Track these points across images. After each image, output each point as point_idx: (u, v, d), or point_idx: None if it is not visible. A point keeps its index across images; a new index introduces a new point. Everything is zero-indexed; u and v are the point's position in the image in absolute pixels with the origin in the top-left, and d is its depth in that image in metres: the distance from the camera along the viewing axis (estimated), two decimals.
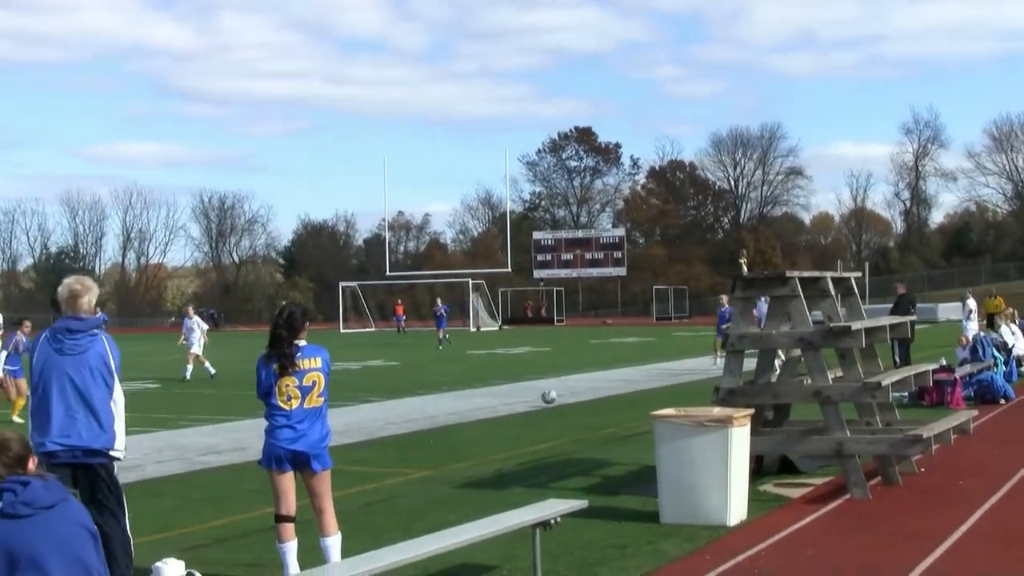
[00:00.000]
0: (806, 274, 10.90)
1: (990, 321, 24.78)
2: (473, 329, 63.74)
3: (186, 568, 6.76)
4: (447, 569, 7.36)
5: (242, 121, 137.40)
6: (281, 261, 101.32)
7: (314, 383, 6.84)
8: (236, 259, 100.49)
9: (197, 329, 27.12)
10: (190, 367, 26.44)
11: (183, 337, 27.65)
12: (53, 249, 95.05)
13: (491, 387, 22.72)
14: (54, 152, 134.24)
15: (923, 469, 11.02)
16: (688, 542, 8.14)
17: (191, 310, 29.39)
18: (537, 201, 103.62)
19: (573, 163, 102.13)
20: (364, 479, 11.17)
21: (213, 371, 26.28)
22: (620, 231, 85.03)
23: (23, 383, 16.91)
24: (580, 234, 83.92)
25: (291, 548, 6.89)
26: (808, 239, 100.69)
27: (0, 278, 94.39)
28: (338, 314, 67.22)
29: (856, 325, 10.20)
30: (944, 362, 18.20)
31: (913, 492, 10.07)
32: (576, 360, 31.64)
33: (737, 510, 8.80)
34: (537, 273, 79.89)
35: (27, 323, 18.73)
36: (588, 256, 79.32)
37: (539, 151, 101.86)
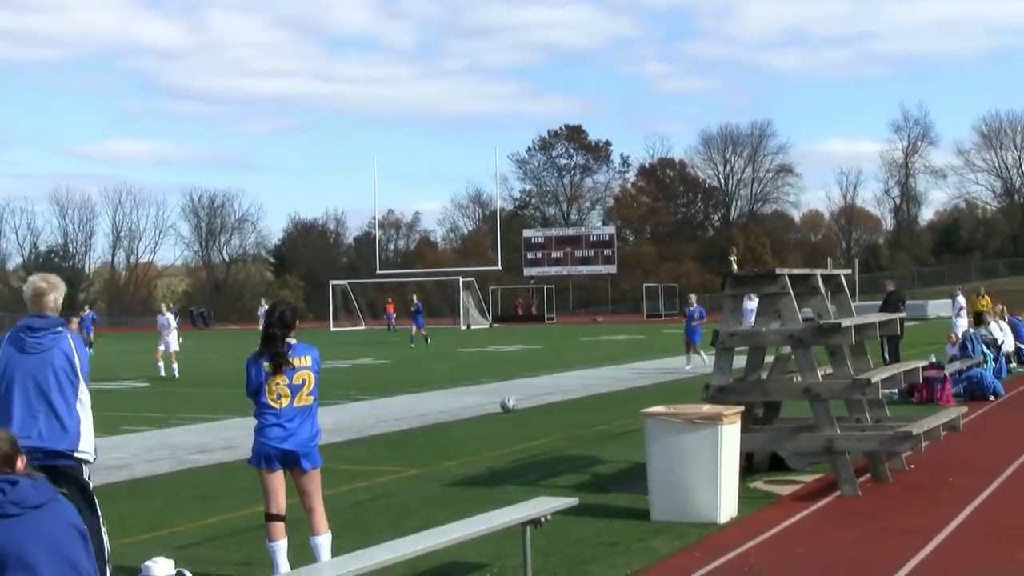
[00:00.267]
0: (796, 271, 10.91)
1: (978, 319, 24.84)
2: (464, 327, 63.75)
3: (176, 567, 6.74)
4: (437, 567, 7.36)
5: (232, 119, 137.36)
6: (271, 259, 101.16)
7: (304, 381, 6.84)
8: (226, 258, 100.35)
9: (172, 327, 27.13)
10: (175, 365, 26.49)
11: (162, 337, 27.34)
12: (43, 248, 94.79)
13: (482, 385, 22.71)
14: (44, 150, 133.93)
15: (913, 466, 11.04)
16: (678, 539, 8.15)
17: (164, 308, 29.30)
18: (527, 199, 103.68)
19: (563, 161, 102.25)
20: (354, 477, 11.16)
21: (175, 368, 26.53)
22: (610, 229, 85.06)
23: None
24: (570, 232, 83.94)
25: (281, 547, 6.88)
26: (798, 236, 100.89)
27: None
28: (328, 312, 67.15)
29: (846, 322, 10.22)
30: (934, 359, 18.26)
31: (903, 489, 10.09)
32: (567, 358, 31.66)
33: (727, 507, 8.81)
34: (527, 271, 79.89)
35: (74, 320, 17.77)
36: (578, 254, 79.33)
37: (529, 149, 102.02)
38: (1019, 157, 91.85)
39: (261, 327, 7.16)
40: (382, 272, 72.83)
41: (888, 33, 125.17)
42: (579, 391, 20.87)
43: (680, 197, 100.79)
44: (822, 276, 11.08)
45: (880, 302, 24.45)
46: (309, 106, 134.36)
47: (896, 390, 16.33)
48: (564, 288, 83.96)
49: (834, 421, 10.02)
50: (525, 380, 23.85)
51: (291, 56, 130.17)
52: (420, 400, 19.71)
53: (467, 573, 7.36)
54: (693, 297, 28.16)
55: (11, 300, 79.01)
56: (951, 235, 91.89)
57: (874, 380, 10.10)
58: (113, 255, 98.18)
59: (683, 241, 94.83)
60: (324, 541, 6.91)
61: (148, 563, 6.63)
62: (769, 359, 11.37)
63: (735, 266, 10.68)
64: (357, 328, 64.48)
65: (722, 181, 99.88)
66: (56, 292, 6.18)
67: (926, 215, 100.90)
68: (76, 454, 5.99)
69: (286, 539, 6.91)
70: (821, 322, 10.31)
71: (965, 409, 12.43)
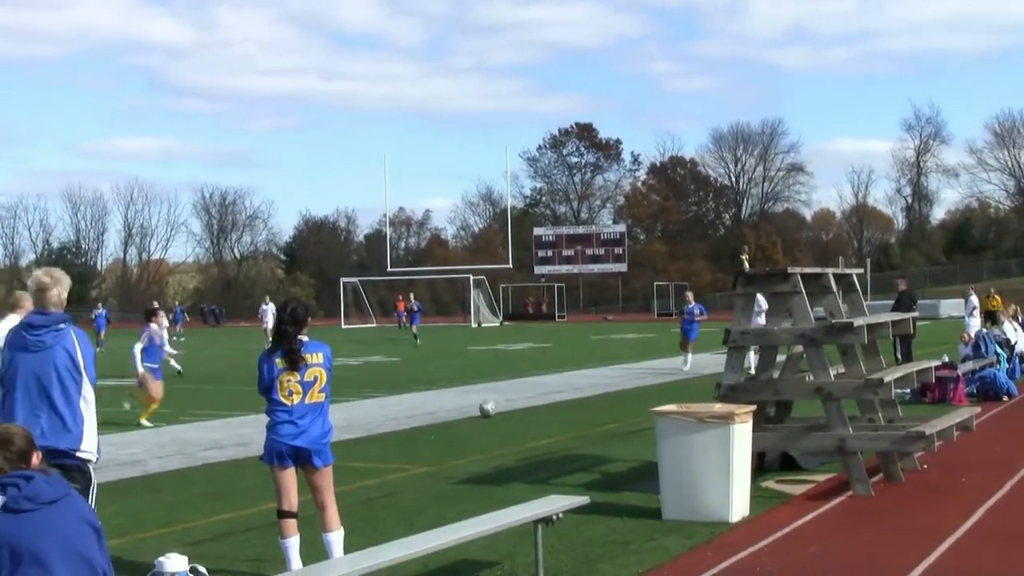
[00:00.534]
0: (808, 270, 10.89)
1: (989, 318, 24.76)
2: (474, 325, 63.79)
3: (189, 563, 6.76)
4: (449, 565, 7.36)
5: (239, 117, 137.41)
6: (282, 257, 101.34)
7: (316, 378, 6.85)
8: (237, 255, 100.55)
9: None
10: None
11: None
12: (55, 245, 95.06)
13: (492, 383, 22.71)
14: (53, 148, 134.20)
15: (926, 466, 11.01)
16: (690, 539, 8.13)
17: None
18: (538, 197, 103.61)
19: (574, 159, 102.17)
20: (365, 475, 11.17)
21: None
22: (621, 227, 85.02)
23: (158, 386, 15.60)
24: (581, 230, 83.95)
25: (293, 544, 6.89)
26: (809, 235, 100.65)
27: (3, 274, 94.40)
28: (339, 310, 67.23)
29: (858, 321, 10.19)
30: (946, 359, 18.20)
31: (915, 489, 10.06)
32: (577, 356, 31.64)
33: (739, 507, 8.79)
34: (538, 269, 79.89)
35: (162, 313, 17.01)
36: (589, 252, 79.32)
37: (539, 147, 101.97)
38: None
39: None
40: (393, 270, 72.88)
41: (897, 30, 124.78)
42: (589, 389, 20.86)
43: (691, 196, 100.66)
44: (834, 275, 11.05)
45: (892, 302, 24.40)
46: (316, 103, 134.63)
47: (908, 390, 16.28)
48: (574, 286, 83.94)
49: (846, 421, 9.99)
50: (535, 378, 23.84)
51: (297, 53, 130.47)
52: (430, 398, 19.72)
53: (479, 571, 7.36)
54: (690, 294, 27.59)
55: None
56: (963, 234, 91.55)
57: (886, 380, 10.07)
58: (125, 252, 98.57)
59: (694, 240, 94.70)
60: (336, 538, 6.92)
61: (161, 559, 6.64)
62: (781, 358, 11.35)
63: (747, 265, 10.63)
64: (368, 325, 64.55)
65: (733, 180, 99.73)
66: (59, 287, 5.99)
67: (938, 214, 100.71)
68: (79, 453, 5.84)
69: (298, 536, 6.92)
70: (833, 321, 10.28)
71: (978, 409, 12.39)
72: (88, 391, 5.92)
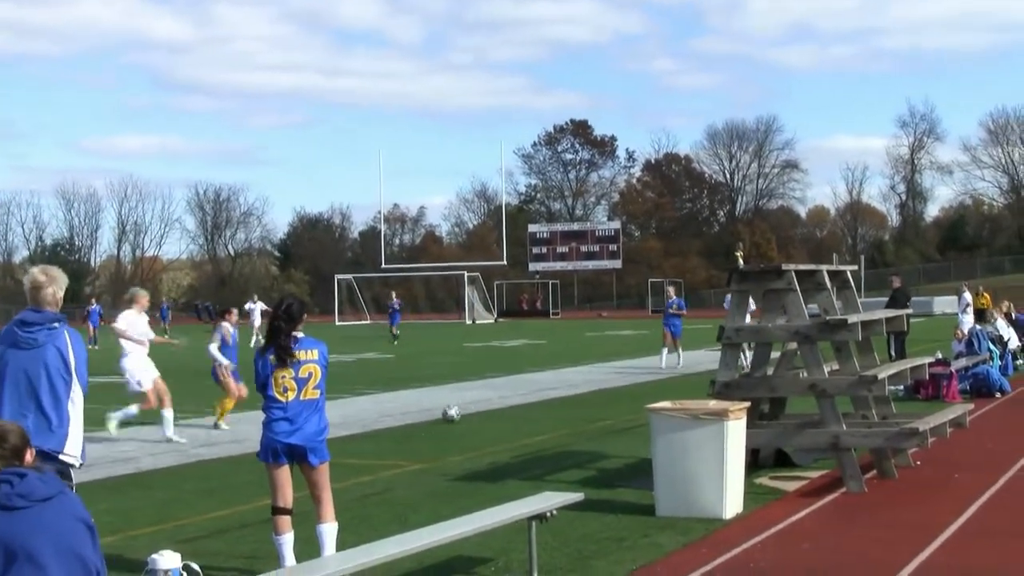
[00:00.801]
0: (802, 267, 10.90)
1: (979, 316, 24.81)
2: (469, 322, 63.80)
3: (183, 560, 6.75)
4: (443, 562, 7.36)
5: (238, 114, 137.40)
6: (276, 254, 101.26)
7: (310, 375, 6.84)
8: (231, 252, 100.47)
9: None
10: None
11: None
12: (49, 241, 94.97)
13: (487, 380, 22.72)
14: (50, 144, 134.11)
15: (919, 463, 11.03)
16: (684, 535, 8.14)
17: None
18: (533, 194, 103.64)
19: (569, 156, 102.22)
20: (360, 472, 11.17)
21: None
22: (616, 224, 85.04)
23: (242, 388, 14.92)
24: (576, 227, 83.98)
25: (287, 540, 6.89)
26: (804, 232, 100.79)
27: None
28: (333, 307, 67.19)
29: (852, 318, 10.20)
30: (940, 356, 18.23)
31: (909, 485, 10.08)
32: (572, 353, 31.66)
33: (733, 503, 8.80)
34: (533, 266, 79.90)
35: (234, 311, 16.65)
36: (584, 249, 79.36)
37: (535, 144, 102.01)
38: None
39: (257, 324, 7.16)
40: (387, 267, 72.85)
41: (894, 29, 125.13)
42: (583, 386, 20.87)
43: (686, 192, 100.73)
44: (828, 272, 11.06)
45: (886, 298, 24.42)
46: (315, 100, 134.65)
47: (902, 386, 16.33)
48: (569, 283, 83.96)
49: (840, 417, 10.01)
50: (529, 375, 23.85)
51: (298, 50, 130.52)
52: (424, 395, 19.72)
53: (473, 567, 7.36)
54: (671, 289, 27.10)
55: (17, 294, 79.13)
56: (957, 231, 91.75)
57: (880, 376, 10.08)
58: (119, 249, 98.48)
59: (688, 236, 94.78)
60: (329, 529, 6.92)
61: (155, 556, 6.64)
62: (775, 355, 11.36)
63: (741, 261, 10.63)
64: (362, 322, 64.51)
65: (728, 176, 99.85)
66: (55, 286, 5.85)
67: (932, 211, 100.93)
68: (62, 456, 5.65)
69: (292, 533, 6.91)
70: (827, 318, 10.30)
71: (971, 406, 12.43)
72: (77, 393, 5.77)
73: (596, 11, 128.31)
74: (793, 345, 10.85)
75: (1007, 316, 23.13)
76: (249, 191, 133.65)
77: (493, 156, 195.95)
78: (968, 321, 24.44)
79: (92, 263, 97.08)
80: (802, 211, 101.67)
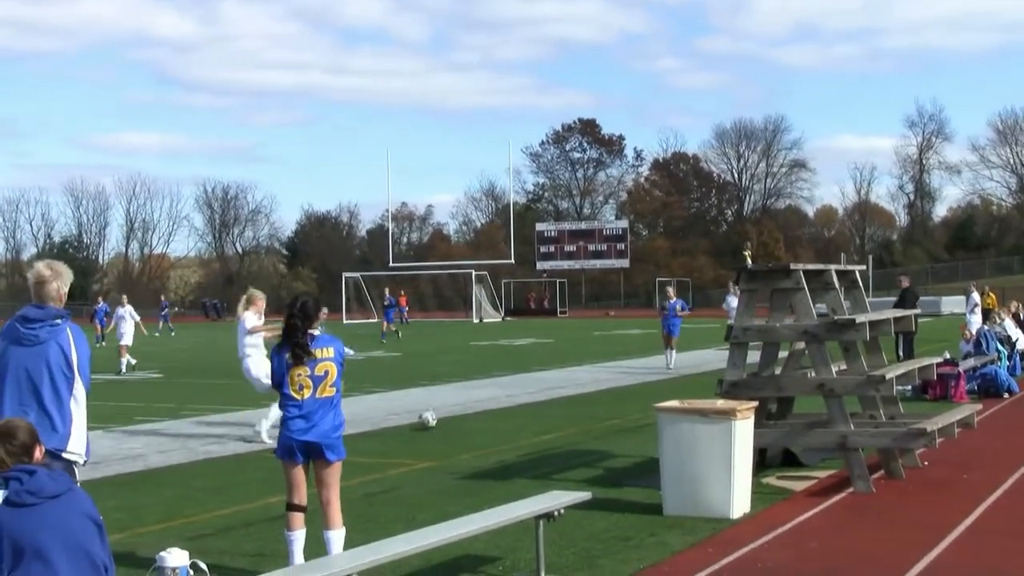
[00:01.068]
0: (810, 267, 10.88)
1: (985, 316, 24.74)
2: (476, 320, 63.80)
3: (190, 558, 6.77)
4: (451, 560, 7.37)
5: (244, 111, 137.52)
6: (284, 252, 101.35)
7: (326, 372, 6.83)
8: (239, 249, 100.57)
9: (129, 319, 27.17)
10: (123, 360, 25.84)
11: (125, 329, 27.00)
12: (57, 239, 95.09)
13: (494, 378, 22.72)
14: (57, 142, 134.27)
15: (927, 463, 11.01)
16: (691, 534, 8.14)
17: (125, 299, 29.12)
18: (540, 192, 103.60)
19: (576, 155, 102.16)
20: (367, 470, 11.18)
21: (134, 362, 26.19)
22: (623, 223, 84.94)
23: None
24: (583, 226, 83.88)
25: (299, 537, 6.89)
26: (812, 232, 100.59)
27: (4, 268, 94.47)
28: (341, 305, 67.24)
29: (861, 318, 10.19)
30: (948, 356, 18.19)
31: (917, 486, 10.06)
32: (579, 351, 31.65)
33: (740, 503, 8.79)
34: (540, 264, 79.87)
35: (324, 311, 16.11)
36: (591, 248, 79.29)
37: (542, 142, 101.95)
38: None
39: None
40: (395, 265, 72.88)
41: (900, 28, 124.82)
42: (591, 385, 20.87)
43: (693, 192, 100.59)
44: (836, 272, 11.04)
45: (894, 298, 24.37)
46: (321, 99, 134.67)
47: (910, 387, 16.30)
48: (577, 282, 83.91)
49: (848, 417, 9.99)
50: (537, 374, 23.85)
51: (303, 48, 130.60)
52: (432, 393, 19.73)
53: (480, 566, 7.36)
54: (671, 289, 26.98)
55: (26, 290, 79.14)
56: (965, 231, 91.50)
57: (888, 376, 10.07)
58: (127, 246, 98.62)
59: (696, 236, 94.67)
60: (337, 536, 6.89)
61: (162, 553, 6.65)
62: (783, 354, 11.34)
63: (749, 261, 10.62)
64: (370, 320, 64.54)
65: (736, 176, 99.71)
66: (59, 281, 5.75)
67: (940, 211, 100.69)
68: (65, 454, 5.56)
69: (304, 530, 6.91)
70: (835, 318, 10.28)
71: (980, 406, 12.39)
72: (80, 391, 5.69)
73: (601, 10, 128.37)
74: (801, 345, 10.84)
75: (1015, 316, 23.06)
76: (257, 189, 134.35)
77: (500, 155, 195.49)
78: (976, 321, 24.36)
79: (100, 260, 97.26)
80: (810, 211, 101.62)
